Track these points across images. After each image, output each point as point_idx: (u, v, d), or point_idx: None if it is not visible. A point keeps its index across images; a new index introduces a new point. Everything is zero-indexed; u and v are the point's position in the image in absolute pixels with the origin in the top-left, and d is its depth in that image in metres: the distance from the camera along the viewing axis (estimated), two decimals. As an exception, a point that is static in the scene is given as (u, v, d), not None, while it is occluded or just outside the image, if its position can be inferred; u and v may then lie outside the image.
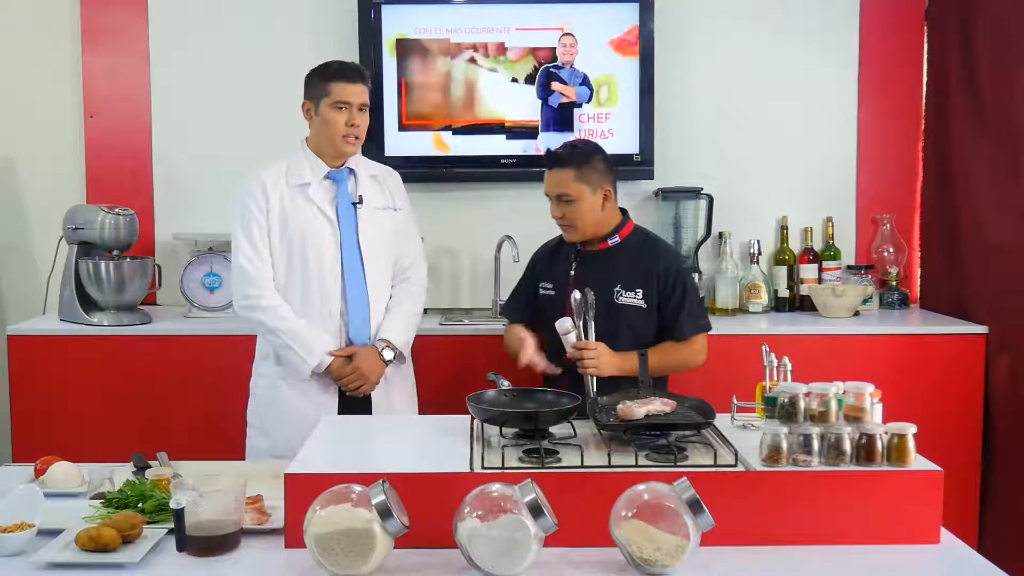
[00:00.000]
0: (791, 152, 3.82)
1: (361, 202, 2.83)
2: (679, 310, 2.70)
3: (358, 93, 2.77)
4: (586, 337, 2.56)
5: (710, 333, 2.79)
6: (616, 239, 2.75)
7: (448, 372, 3.28)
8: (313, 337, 2.75)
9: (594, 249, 2.75)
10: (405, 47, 3.66)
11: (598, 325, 2.58)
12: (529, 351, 2.69)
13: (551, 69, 3.68)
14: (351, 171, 2.86)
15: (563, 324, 2.55)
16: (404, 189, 3.00)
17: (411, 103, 3.68)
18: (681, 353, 2.71)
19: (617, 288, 2.68)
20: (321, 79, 2.79)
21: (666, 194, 3.73)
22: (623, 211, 2.82)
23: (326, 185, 2.84)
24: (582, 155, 2.69)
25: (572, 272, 2.73)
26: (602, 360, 2.54)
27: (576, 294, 2.54)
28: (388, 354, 2.82)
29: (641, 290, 2.69)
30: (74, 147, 3.78)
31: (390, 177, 2.97)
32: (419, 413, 2.99)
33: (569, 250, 2.78)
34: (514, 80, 3.67)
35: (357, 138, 2.79)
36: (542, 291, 2.82)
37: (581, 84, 3.68)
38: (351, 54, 3.67)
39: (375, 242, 2.85)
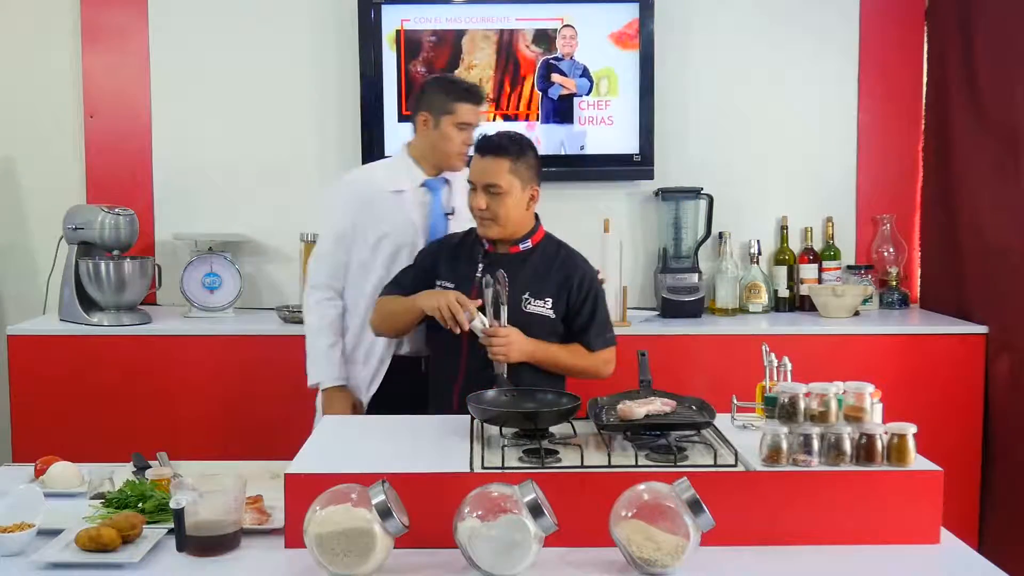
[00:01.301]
0: (791, 152, 3.82)
1: (453, 213, 2.84)
2: (589, 324, 2.61)
3: (479, 114, 2.82)
4: (498, 323, 2.46)
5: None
6: (528, 244, 2.62)
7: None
8: (325, 359, 2.80)
9: (504, 251, 2.61)
10: (405, 39, 3.66)
11: None
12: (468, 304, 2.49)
13: (551, 61, 3.68)
14: (446, 181, 2.87)
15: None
16: None
17: (411, 95, 3.68)
18: (589, 359, 2.63)
19: (525, 296, 2.56)
20: (446, 96, 2.81)
21: (666, 194, 3.73)
22: (535, 216, 2.69)
23: (420, 193, 2.85)
24: (519, 147, 2.56)
25: (478, 274, 2.58)
26: (512, 346, 2.45)
27: (488, 277, 2.44)
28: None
29: (551, 299, 2.58)
30: (74, 147, 3.78)
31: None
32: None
33: (476, 250, 2.63)
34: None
35: (468, 157, 2.79)
36: (440, 288, 2.63)
37: (581, 76, 3.68)
38: (351, 54, 3.68)
39: None
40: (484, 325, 2.45)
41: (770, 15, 3.78)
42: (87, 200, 3.74)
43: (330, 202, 2.95)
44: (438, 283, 2.62)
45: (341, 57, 3.73)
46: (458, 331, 2.45)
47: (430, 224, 2.85)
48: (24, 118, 3.79)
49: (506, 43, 3.66)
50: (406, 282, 2.67)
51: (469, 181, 2.58)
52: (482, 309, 2.47)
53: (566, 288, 2.60)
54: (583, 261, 2.69)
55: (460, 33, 3.66)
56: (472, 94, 2.83)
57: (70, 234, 3.47)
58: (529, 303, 2.56)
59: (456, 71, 3.65)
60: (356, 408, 2.85)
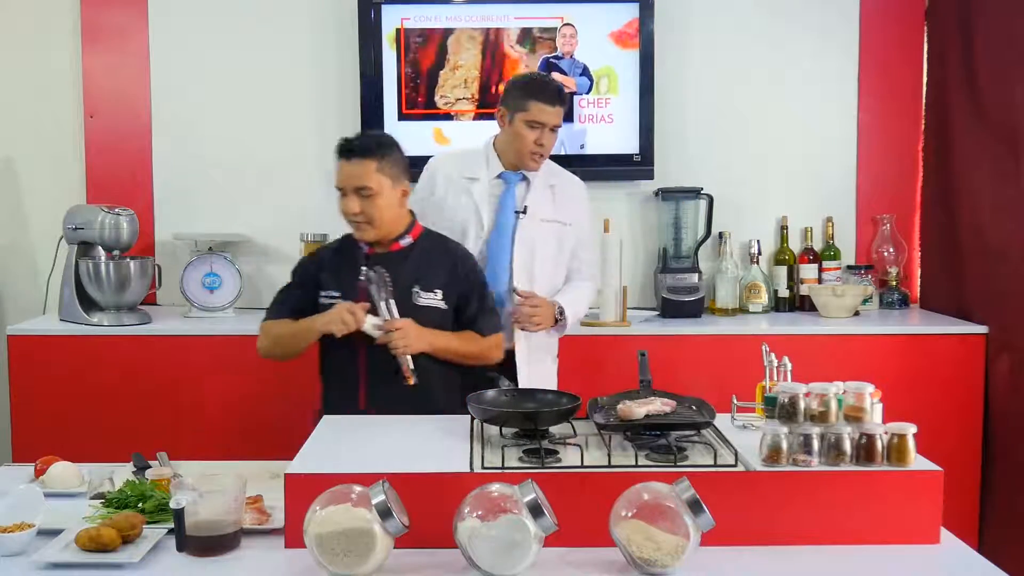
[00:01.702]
0: (791, 152, 3.82)
1: (525, 212, 2.84)
2: (479, 310, 2.64)
3: (554, 115, 2.81)
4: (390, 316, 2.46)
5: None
6: (408, 239, 2.62)
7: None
8: None
9: (385, 250, 2.60)
10: (404, 37, 3.66)
11: None
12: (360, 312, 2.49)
13: (551, 59, 3.68)
14: (525, 178, 2.88)
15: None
16: (585, 203, 3.01)
17: (411, 94, 3.69)
18: (479, 344, 2.63)
19: (415, 289, 2.56)
20: (522, 93, 2.82)
21: (666, 194, 3.73)
22: (410, 212, 2.69)
23: (495, 184, 2.87)
24: (383, 147, 2.55)
25: (362, 276, 2.55)
26: (411, 336, 2.45)
27: (369, 273, 2.44)
28: (560, 315, 2.89)
29: (441, 291, 2.58)
30: (74, 147, 3.78)
31: (570, 188, 2.97)
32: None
33: (356, 253, 2.61)
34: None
35: (542, 156, 2.84)
36: (327, 300, 2.58)
37: (581, 75, 3.68)
38: (351, 54, 3.68)
39: (531, 253, 2.86)
40: (379, 322, 2.46)
41: (770, 15, 3.78)
42: (87, 200, 3.74)
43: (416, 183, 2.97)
44: (322, 295, 2.59)
45: (341, 57, 3.73)
46: (353, 328, 2.44)
47: (497, 218, 2.86)
48: (24, 118, 3.79)
49: (492, 43, 3.66)
50: (290, 302, 2.65)
51: (338, 187, 2.56)
52: (372, 312, 2.46)
53: (454, 277, 2.61)
54: (463, 249, 2.72)
55: (448, 32, 3.66)
56: (547, 94, 2.82)
57: (70, 234, 3.47)
58: (419, 296, 2.56)
59: (442, 71, 3.65)
60: None
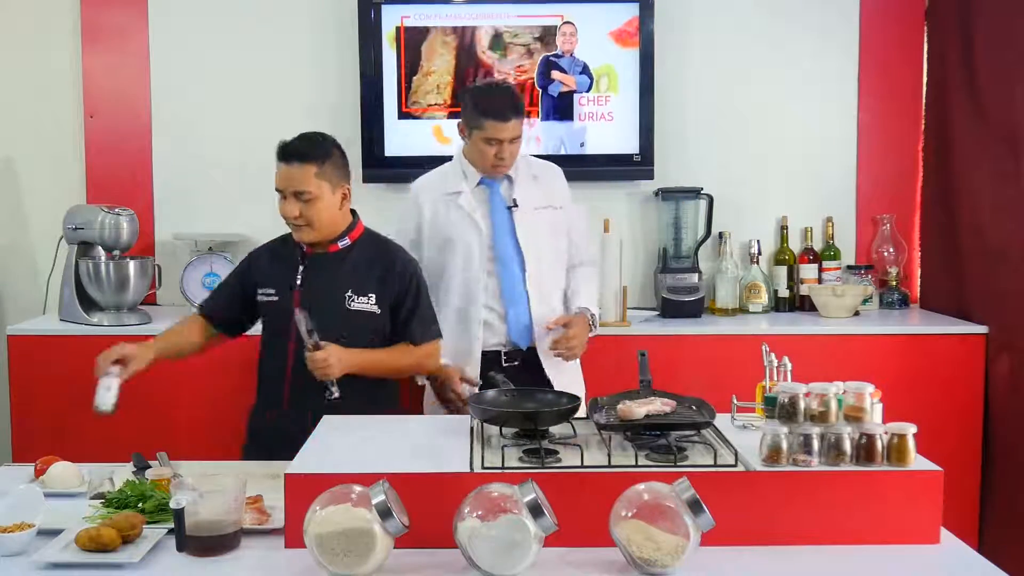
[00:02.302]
0: (791, 152, 3.82)
1: (516, 205, 2.86)
2: (412, 315, 2.62)
3: (509, 129, 2.79)
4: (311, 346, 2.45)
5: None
6: (346, 241, 2.62)
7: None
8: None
9: (323, 252, 2.61)
10: (404, 36, 3.66)
11: (333, 330, 2.49)
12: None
13: (551, 58, 3.68)
14: (506, 176, 2.90)
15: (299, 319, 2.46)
16: (566, 186, 3.04)
17: (411, 92, 3.68)
18: (414, 355, 2.65)
19: (348, 293, 2.57)
20: (475, 111, 2.80)
21: (666, 194, 3.73)
22: (352, 212, 2.69)
23: (479, 191, 2.88)
24: (323, 149, 2.54)
25: (298, 277, 2.59)
26: (332, 363, 2.44)
27: (297, 315, 2.43)
28: (594, 323, 2.94)
29: (374, 295, 2.58)
30: (74, 147, 3.78)
31: (549, 173, 3.01)
32: (420, 413, 3.00)
33: (293, 253, 2.62)
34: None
35: (507, 164, 2.85)
36: (263, 298, 2.62)
37: (581, 73, 3.68)
38: (351, 54, 3.68)
39: (536, 242, 2.89)
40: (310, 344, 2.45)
41: (770, 15, 3.78)
42: (87, 200, 3.74)
43: (398, 212, 3.04)
44: (259, 291, 2.62)
45: (341, 57, 3.73)
46: None
47: (493, 218, 2.88)
48: (24, 118, 3.79)
49: (466, 46, 3.66)
50: (223, 295, 2.72)
51: (277, 189, 2.55)
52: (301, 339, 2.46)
53: (387, 280, 2.60)
54: (404, 253, 2.70)
55: (424, 32, 3.67)
56: (501, 112, 2.77)
57: (70, 234, 3.47)
58: (352, 300, 2.57)
59: (415, 76, 3.66)
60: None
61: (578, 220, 3.09)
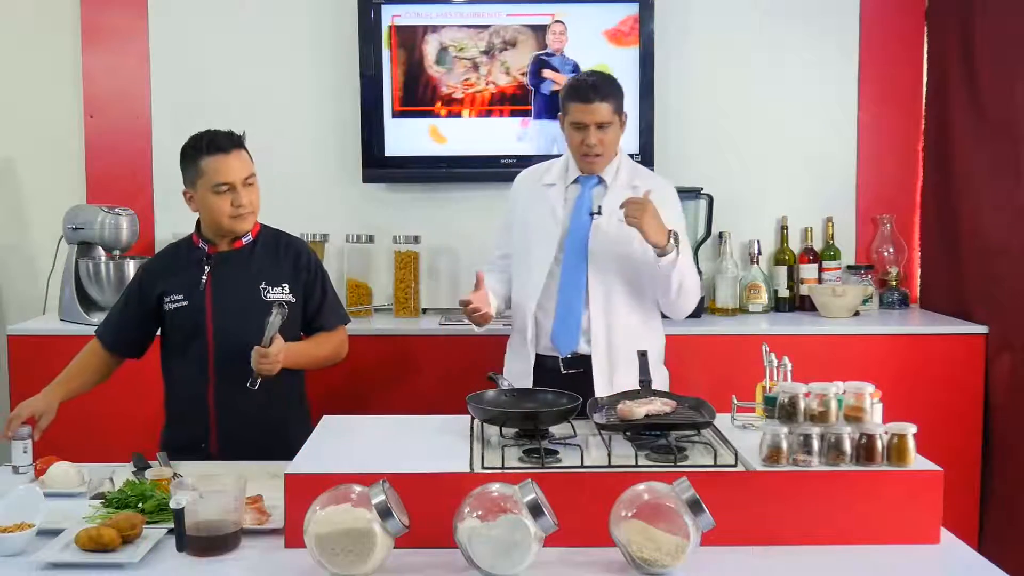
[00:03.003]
0: (791, 152, 3.82)
1: (599, 212, 2.75)
2: (322, 301, 2.65)
3: (591, 112, 2.67)
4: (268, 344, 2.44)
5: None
6: (249, 236, 2.61)
7: (448, 372, 3.28)
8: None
9: (227, 249, 2.59)
10: (400, 35, 3.67)
11: (245, 323, 2.48)
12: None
13: (542, 56, 3.68)
14: (601, 180, 2.79)
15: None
16: (673, 205, 2.79)
17: (407, 91, 3.68)
18: (331, 343, 2.66)
19: (263, 285, 2.56)
20: (564, 97, 2.74)
21: (666, 194, 3.73)
22: None
23: (571, 189, 2.82)
24: (240, 143, 2.60)
25: (205, 277, 2.55)
26: (281, 355, 2.43)
27: (273, 314, 2.40)
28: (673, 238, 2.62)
29: (287, 284, 2.59)
30: (74, 147, 3.77)
31: (652, 185, 2.75)
32: (418, 413, 3.00)
33: (196, 254, 2.60)
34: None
35: (597, 155, 2.72)
36: (171, 305, 2.56)
37: (572, 71, 3.67)
38: (351, 55, 3.68)
39: (608, 255, 2.73)
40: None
41: (770, 15, 3.77)
42: (87, 200, 3.74)
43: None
44: (165, 300, 2.57)
45: (341, 57, 3.73)
46: None
47: (571, 220, 2.78)
48: (24, 118, 3.79)
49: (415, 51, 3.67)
50: (123, 324, 2.65)
51: (224, 183, 2.53)
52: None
53: (298, 269, 2.62)
54: (304, 243, 2.72)
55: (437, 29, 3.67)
56: (578, 91, 2.71)
57: (70, 234, 3.47)
58: (269, 292, 2.57)
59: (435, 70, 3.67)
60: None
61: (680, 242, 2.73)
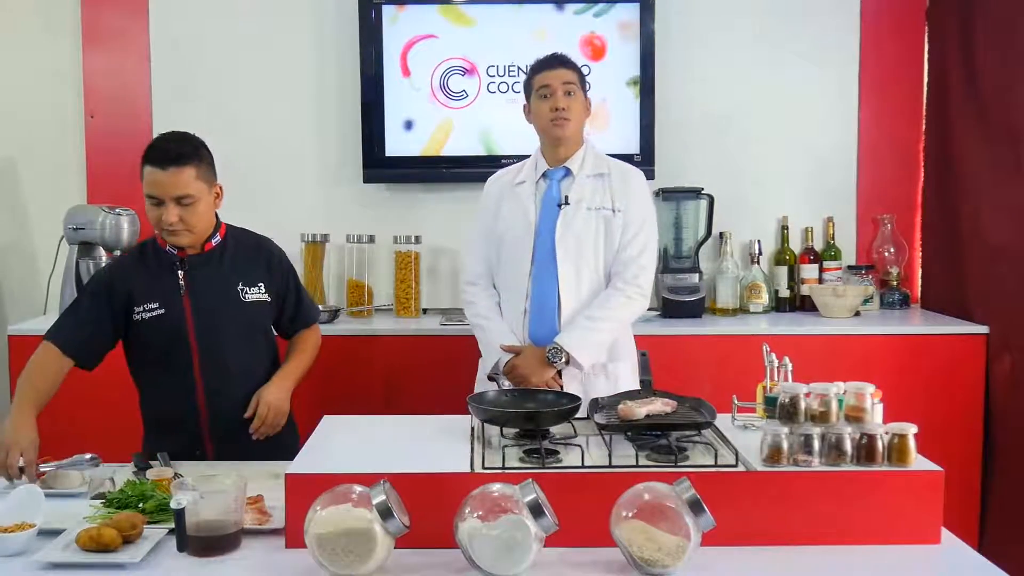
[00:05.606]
0: (791, 152, 3.82)
1: (567, 202, 2.75)
2: (299, 299, 2.67)
3: (557, 76, 2.71)
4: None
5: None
6: (218, 238, 2.55)
7: (448, 372, 3.28)
8: (498, 336, 2.77)
9: (199, 251, 2.51)
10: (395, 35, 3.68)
11: (226, 326, 2.49)
12: None
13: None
14: (568, 171, 2.80)
15: None
16: (642, 191, 2.81)
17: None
18: (310, 347, 2.68)
19: (240, 287, 2.53)
20: (528, 76, 2.80)
21: (666, 194, 3.73)
22: None
23: (539, 184, 2.82)
24: (196, 150, 2.44)
25: (182, 283, 2.48)
26: (275, 404, 2.48)
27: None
28: (556, 357, 2.65)
29: (263, 283, 2.57)
30: (74, 147, 3.78)
31: (619, 172, 2.81)
32: (418, 413, 2.99)
33: (168, 258, 2.50)
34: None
35: (566, 120, 2.71)
36: (145, 315, 2.46)
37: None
38: (352, 55, 3.68)
39: (576, 243, 2.73)
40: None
41: (770, 15, 3.78)
42: (87, 200, 3.74)
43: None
44: (136, 309, 2.47)
45: (341, 57, 3.73)
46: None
47: (541, 213, 2.78)
48: (24, 118, 3.79)
49: None
50: (84, 331, 2.47)
51: (152, 195, 2.40)
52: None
53: (270, 268, 2.61)
54: (270, 240, 2.70)
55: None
56: (544, 61, 2.76)
57: (70, 234, 3.47)
58: (247, 293, 2.55)
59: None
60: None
61: (636, 230, 2.76)
